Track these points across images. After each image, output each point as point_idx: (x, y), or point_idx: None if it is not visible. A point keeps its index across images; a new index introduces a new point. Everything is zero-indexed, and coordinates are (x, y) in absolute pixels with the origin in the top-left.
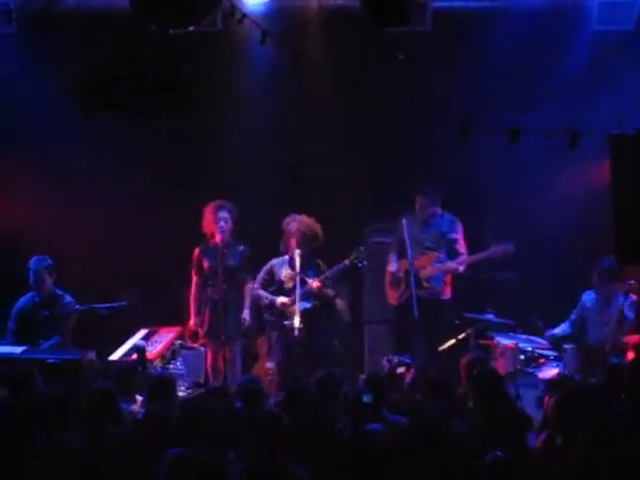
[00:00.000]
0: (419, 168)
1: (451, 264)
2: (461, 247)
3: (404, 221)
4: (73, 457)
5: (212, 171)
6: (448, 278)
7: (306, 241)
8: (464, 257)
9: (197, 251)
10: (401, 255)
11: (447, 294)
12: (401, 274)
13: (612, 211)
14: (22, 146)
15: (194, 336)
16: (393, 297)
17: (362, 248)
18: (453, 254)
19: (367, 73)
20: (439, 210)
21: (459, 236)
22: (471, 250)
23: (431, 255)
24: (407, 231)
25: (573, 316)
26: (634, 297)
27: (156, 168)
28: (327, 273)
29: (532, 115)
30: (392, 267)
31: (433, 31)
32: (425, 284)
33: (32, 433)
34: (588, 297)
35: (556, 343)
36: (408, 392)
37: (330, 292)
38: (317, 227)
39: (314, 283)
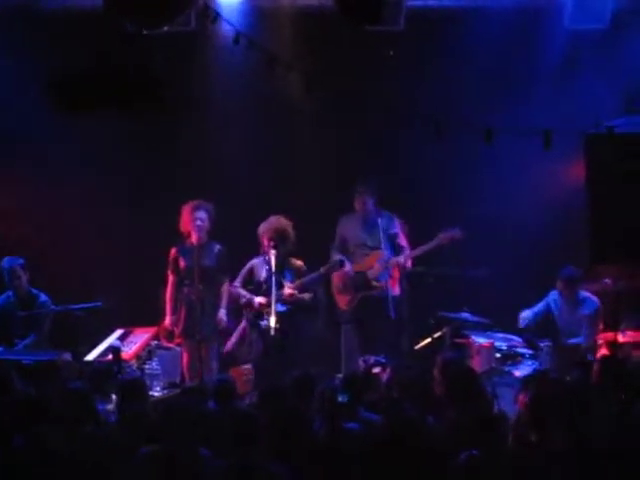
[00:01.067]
0: (392, 168)
1: (398, 259)
2: (402, 241)
3: (341, 221)
4: (51, 457)
5: (190, 170)
6: (395, 274)
7: (277, 241)
8: (408, 252)
9: (173, 251)
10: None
11: (396, 290)
12: (353, 276)
13: (587, 210)
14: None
15: (169, 335)
16: (344, 302)
17: (338, 258)
18: (397, 250)
19: (340, 73)
20: (375, 208)
21: (398, 231)
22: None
23: (375, 253)
24: (349, 230)
25: (537, 309)
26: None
27: (134, 167)
28: (303, 280)
29: (506, 114)
30: (346, 269)
31: (406, 30)
32: (375, 283)
33: (9, 434)
34: (552, 298)
35: (531, 341)
36: (384, 391)
37: (306, 296)
38: (288, 227)
39: (287, 290)
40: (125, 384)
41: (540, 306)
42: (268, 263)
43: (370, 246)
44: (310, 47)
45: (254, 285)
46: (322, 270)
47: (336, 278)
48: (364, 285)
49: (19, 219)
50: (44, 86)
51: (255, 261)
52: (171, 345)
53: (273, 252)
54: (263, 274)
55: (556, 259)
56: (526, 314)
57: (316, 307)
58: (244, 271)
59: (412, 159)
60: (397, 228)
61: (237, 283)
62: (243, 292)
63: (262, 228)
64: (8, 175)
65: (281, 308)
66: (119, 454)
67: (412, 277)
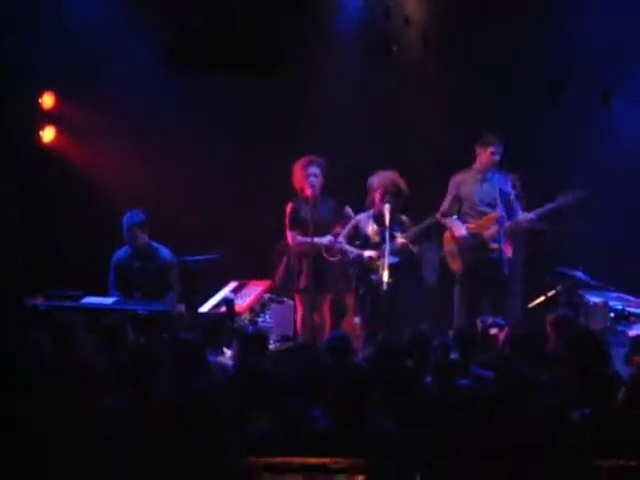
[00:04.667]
0: (507, 128)
1: (518, 221)
2: (516, 200)
3: (455, 179)
4: (161, 408)
5: (304, 124)
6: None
7: (390, 195)
8: (529, 215)
9: (290, 206)
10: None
11: (508, 251)
12: (468, 237)
13: None
14: (115, 99)
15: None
16: (457, 264)
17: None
18: (511, 209)
19: (457, 29)
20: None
21: (512, 189)
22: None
23: (492, 214)
24: (464, 189)
25: None
26: None
27: (249, 122)
28: (416, 228)
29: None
30: (460, 232)
31: None
32: (492, 245)
33: (121, 384)
34: None
35: None
36: (499, 350)
37: (414, 249)
38: (401, 182)
39: (399, 240)
40: (250, 335)
41: None
42: (379, 216)
43: (487, 204)
44: (428, 2)
45: (360, 239)
46: (438, 215)
47: (448, 240)
48: (481, 247)
49: (138, 171)
50: (163, 41)
51: (359, 217)
52: (284, 298)
53: (387, 206)
54: (369, 228)
55: None
56: None
57: (419, 262)
58: (349, 227)
59: (529, 118)
60: (509, 186)
61: (341, 238)
62: (350, 247)
63: (376, 181)
64: (124, 129)
65: (393, 260)
66: (234, 406)
67: (530, 234)
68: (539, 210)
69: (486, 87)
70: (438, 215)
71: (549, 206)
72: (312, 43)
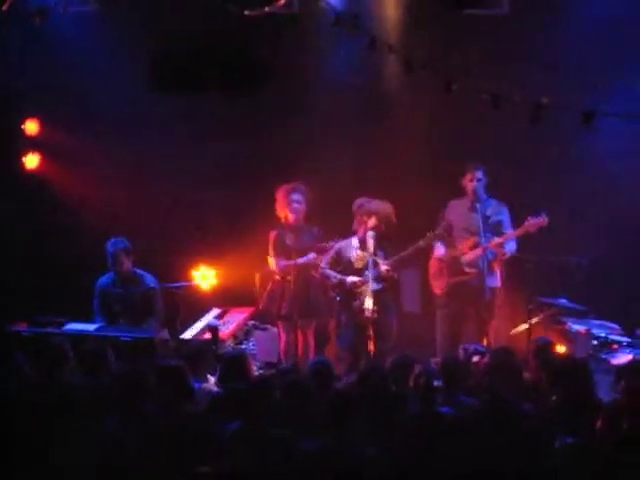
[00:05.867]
0: (492, 152)
1: (486, 245)
2: (508, 230)
3: (450, 205)
4: (147, 434)
5: (287, 152)
6: (496, 264)
7: (381, 224)
8: (496, 239)
9: (274, 233)
10: (446, 241)
11: (497, 280)
12: (447, 260)
13: None
14: (99, 126)
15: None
16: (438, 287)
17: (433, 232)
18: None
19: (441, 55)
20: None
21: (505, 219)
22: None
23: (471, 240)
24: (454, 215)
25: None
26: None
27: (230, 148)
28: (401, 254)
29: (609, 99)
30: (439, 252)
31: (510, 13)
32: (467, 270)
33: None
34: None
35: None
36: (480, 377)
37: (395, 275)
38: (392, 211)
39: (383, 267)
40: (231, 358)
41: None
42: (363, 243)
43: (471, 231)
44: (412, 29)
45: (343, 266)
46: (421, 243)
47: (432, 263)
48: (459, 272)
49: (121, 199)
50: (146, 65)
51: (342, 243)
52: (267, 326)
53: (371, 233)
54: (353, 253)
55: None
56: None
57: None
58: (331, 253)
59: (510, 141)
60: (504, 215)
61: (324, 264)
62: (332, 273)
63: (373, 208)
64: (107, 153)
65: (376, 287)
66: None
67: (510, 263)
68: (498, 239)
69: (469, 114)
70: (430, 235)
71: (508, 235)
72: (295, 64)
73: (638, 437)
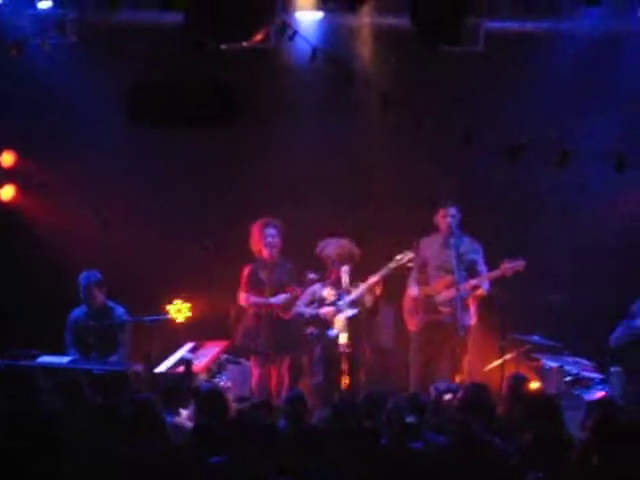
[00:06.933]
0: (465, 189)
1: (464, 285)
2: (482, 268)
3: (423, 242)
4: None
5: (261, 187)
6: (470, 302)
7: (349, 264)
8: (472, 280)
9: (248, 268)
10: (420, 279)
11: (471, 319)
12: (421, 299)
13: None
14: (76, 156)
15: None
16: (412, 324)
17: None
18: (474, 276)
19: (417, 92)
20: (457, 230)
21: (479, 257)
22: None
23: (445, 278)
24: (428, 252)
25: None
26: None
27: (203, 182)
28: (379, 273)
29: (583, 137)
30: (413, 291)
31: (485, 51)
32: (441, 308)
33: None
34: None
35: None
36: (452, 414)
37: (368, 302)
38: (354, 249)
39: (372, 279)
40: (206, 394)
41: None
42: (335, 282)
43: (446, 269)
44: (387, 65)
45: (316, 302)
46: (390, 265)
47: (406, 300)
48: (433, 310)
49: (93, 230)
50: (120, 99)
51: (314, 287)
52: (241, 360)
53: (345, 268)
54: (325, 291)
55: (631, 285)
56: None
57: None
58: (306, 295)
59: (487, 180)
60: (479, 255)
61: (300, 303)
62: (307, 309)
63: (330, 251)
64: (79, 184)
65: (351, 313)
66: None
67: (484, 299)
68: (473, 281)
69: (445, 150)
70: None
71: (484, 277)
72: (268, 98)
73: (608, 472)
